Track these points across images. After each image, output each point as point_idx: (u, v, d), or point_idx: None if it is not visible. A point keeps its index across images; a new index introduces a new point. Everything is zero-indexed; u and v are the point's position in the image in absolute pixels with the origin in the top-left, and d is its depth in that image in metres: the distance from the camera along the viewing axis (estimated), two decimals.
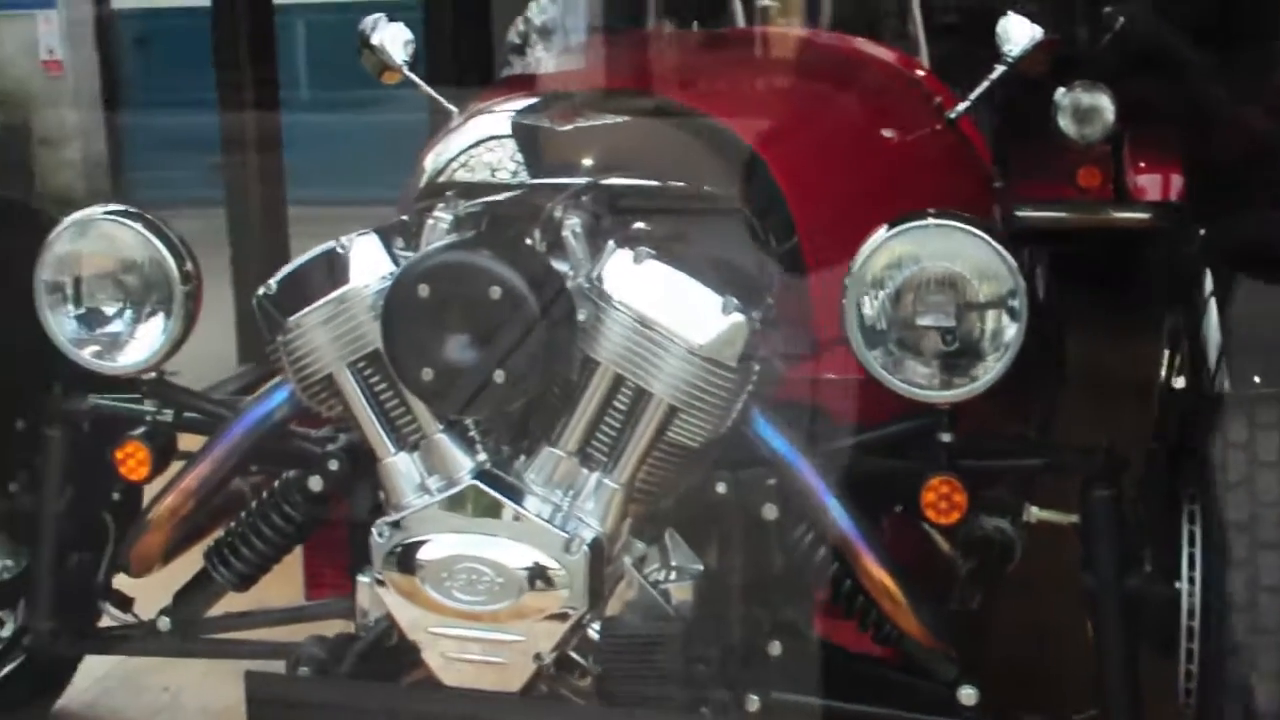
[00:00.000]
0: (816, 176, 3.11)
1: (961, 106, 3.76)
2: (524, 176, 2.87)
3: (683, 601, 2.65)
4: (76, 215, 2.92)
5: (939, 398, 2.59)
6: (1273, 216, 3.39)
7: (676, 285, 2.54)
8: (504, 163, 2.93)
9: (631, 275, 2.54)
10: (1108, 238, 5.23)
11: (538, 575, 2.53)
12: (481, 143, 3.02)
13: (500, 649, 2.57)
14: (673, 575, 2.68)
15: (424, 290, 2.48)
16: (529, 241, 2.63)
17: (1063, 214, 5.04)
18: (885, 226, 2.59)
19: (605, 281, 2.54)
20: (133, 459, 2.94)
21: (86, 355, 2.92)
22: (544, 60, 4.85)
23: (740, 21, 4.39)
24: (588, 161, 2.89)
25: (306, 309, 2.66)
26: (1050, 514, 2.72)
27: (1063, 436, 3.75)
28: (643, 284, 2.53)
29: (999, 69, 3.62)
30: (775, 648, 2.69)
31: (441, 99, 3.73)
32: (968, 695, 2.61)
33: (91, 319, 2.93)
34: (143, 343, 2.91)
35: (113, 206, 2.93)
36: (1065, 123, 5.02)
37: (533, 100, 3.26)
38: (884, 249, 2.58)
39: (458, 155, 3.01)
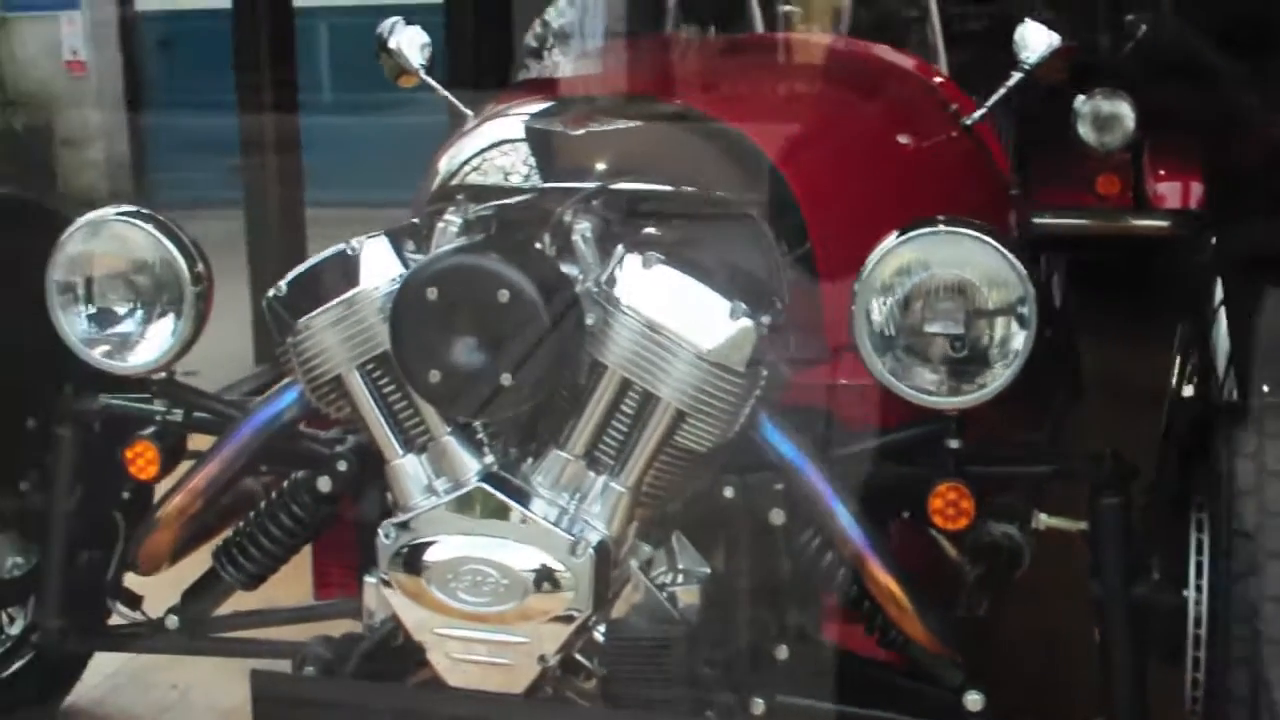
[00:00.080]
0: (831, 182, 3.10)
1: (977, 113, 3.75)
2: (536, 180, 2.87)
3: (689, 605, 2.65)
4: (89, 216, 2.94)
5: (947, 404, 2.58)
6: None
7: (685, 290, 2.53)
8: (517, 166, 2.94)
9: (640, 280, 2.54)
10: (1126, 245, 5.21)
11: (544, 577, 2.53)
12: (494, 146, 3.03)
13: (505, 650, 2.57)
14: (679, 579, 2.68)
15: (432, 293, 2.49)
16: (538, 245, 2.64)
17: (1081, 221, 5.02)
18: (895, 232, 2.58)
19: (614, 286, 2.54)
20: (142, 458, 2.95)
21: (97, 355, 2.94)
22: (560, 64, 4.85)
23: (759, 27, 4.39)
24: (599, 166, 2.88)
25: (316, 311, 2.67)
26: (1059, 521, 2.71)
27: (1074, 443, 3.73)
28: (651, 289, 2.53)
29: (1016, 76, 3.62)
30: (781, 652, 2.69)
31: (457, 102, 3.73)
32: (974, 701, 2.60)
33: (102, 319, 2.94)
34: (153, 343, 2.92)
35: (124, 207, 2.95)
36: (1085, 130, 4.99)
37: (547, 104, 3.25)
38: (893, 255, 2.57)
39: (470, 159, 3.03)
